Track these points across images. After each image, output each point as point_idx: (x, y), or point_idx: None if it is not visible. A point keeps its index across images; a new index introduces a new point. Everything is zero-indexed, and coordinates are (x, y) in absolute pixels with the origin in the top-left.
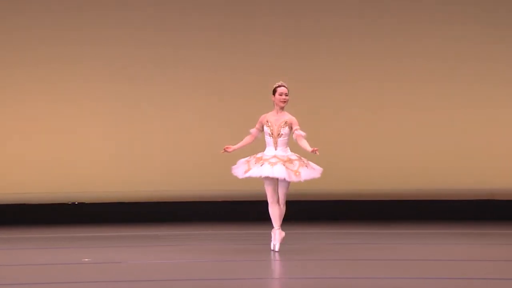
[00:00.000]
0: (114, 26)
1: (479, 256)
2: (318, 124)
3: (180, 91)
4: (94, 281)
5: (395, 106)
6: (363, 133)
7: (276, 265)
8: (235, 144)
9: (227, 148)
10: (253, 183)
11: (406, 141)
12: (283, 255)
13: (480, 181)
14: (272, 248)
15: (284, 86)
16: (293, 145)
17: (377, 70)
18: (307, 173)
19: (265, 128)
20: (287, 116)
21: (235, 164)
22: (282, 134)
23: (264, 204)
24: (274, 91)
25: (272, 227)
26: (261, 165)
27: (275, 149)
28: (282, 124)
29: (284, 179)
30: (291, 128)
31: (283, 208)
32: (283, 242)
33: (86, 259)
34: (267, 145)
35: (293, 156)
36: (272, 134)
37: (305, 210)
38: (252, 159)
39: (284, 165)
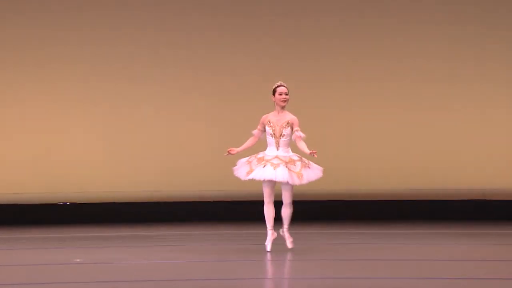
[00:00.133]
0: (114, 26)
1: (479, 256)
2: (318, 124)
3: (180, 91)
4: (93, 281)
5: (395, 106)
6: (363, 133)
7: (276, 265)
8: (238, 147)
9: (230, 150)
10: (254, 183)
11: (406, 141)
12: (283, 255)
13: (480, 181)
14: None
15: (284, 86)
16: (293, 146)
17: (377, 70)
18: (309, 175)
19: (267, 128)
20: (288, 116)
21: (235, 165)
22: (284, 134)
23: None
24: (274, 91)
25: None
26: (264, 167)
27: (277, 150)
28: (284, 124)
29: (287, 182)
30: (292, 128)
31: (291, 208)
32: (275, 243)
33: (78, 260)
34: (268, 145)
35: (295, 156)
36: (274, 134)
37: (305, 210)
38: (253, 159)
39: (286, 166)
